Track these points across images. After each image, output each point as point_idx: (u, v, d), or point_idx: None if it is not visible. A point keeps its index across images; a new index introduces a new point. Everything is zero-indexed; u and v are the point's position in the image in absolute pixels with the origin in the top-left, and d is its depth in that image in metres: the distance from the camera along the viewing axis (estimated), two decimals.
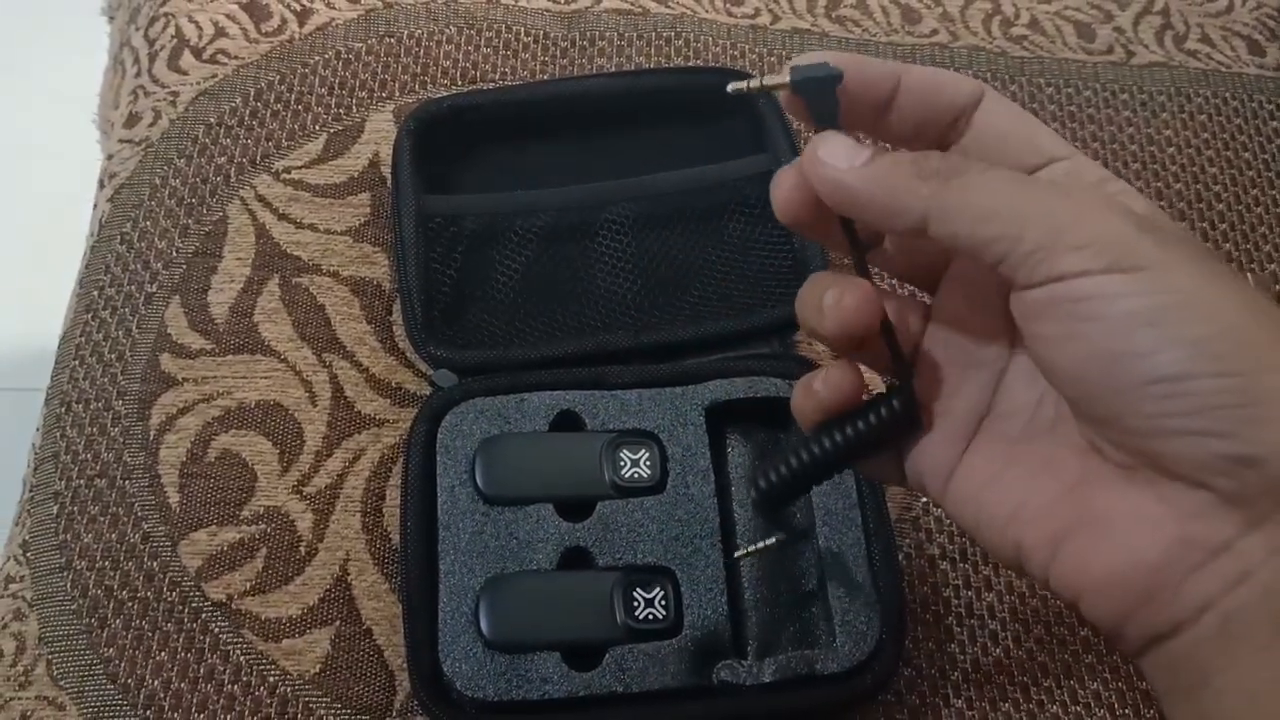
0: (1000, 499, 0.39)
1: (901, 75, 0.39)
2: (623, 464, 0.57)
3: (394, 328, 0.65)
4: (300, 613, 0.57)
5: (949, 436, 0.40)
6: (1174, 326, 0.33)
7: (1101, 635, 0.58)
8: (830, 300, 0.38)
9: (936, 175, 0.35)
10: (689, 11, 0.77)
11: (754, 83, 0.39)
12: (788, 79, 0.38)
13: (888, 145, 0.40)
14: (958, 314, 0.41)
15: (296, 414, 0.62)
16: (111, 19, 0.84)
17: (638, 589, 0.54)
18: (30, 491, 0.61)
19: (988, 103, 0.39)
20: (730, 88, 0.40)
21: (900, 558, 0.58)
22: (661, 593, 0.54)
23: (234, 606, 0.57)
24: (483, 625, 0.53)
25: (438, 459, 0.57)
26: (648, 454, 0.57)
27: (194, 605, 0.57)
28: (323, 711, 0.55)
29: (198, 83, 0.72)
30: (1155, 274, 0.33)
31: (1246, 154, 0.73)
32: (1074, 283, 0.33)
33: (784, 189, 0.39)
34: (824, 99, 0.38)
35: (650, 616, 0.53)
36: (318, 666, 0.56)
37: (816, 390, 0.41)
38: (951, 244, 0.36)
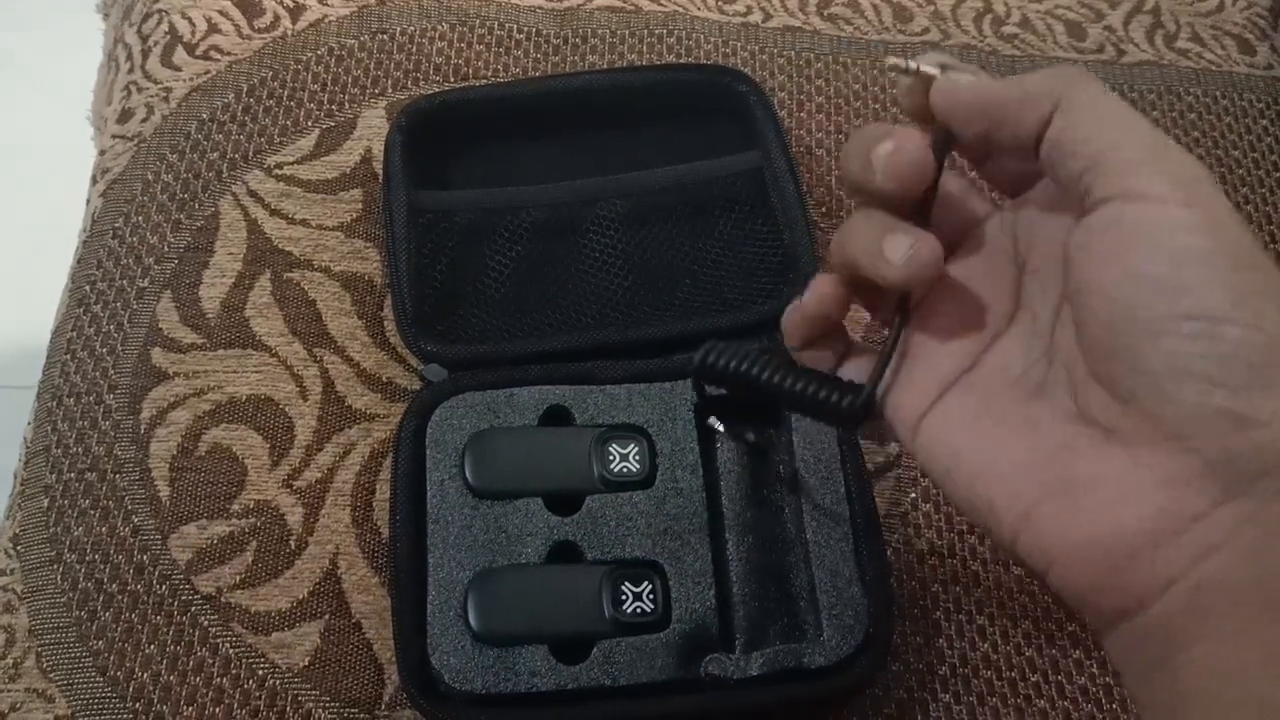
0: (974, 448, 0.38)
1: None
2: (612, 458, 0.57)
3: (385, 323, 0.65)
4: (290, 606, 0.57)
5: (927, 381, 0.40)
6: (1224, 271, 0.33)
7: (1064, 608, 0.59)
8: (886, 149, 0.38)
9: (1067, 77, 0.36)
10: (681, 9, 0.78)
11: (913, 64, 0.39)
12: (937, 72, 0.38)
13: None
14: (972, 273, 0.41)
15: (287, 408, 0.62)
16: (106, 15, 0.84)
17: (626, 583, 0.54)
18: (21, 485, 0.61)
19: (1060, 118, 0.37)
20: (889, 64, 0.40)
21: (888, 553, 0.58)
22: (649, 586, 0.54)
23: (223, 600, 0.57)
24: (471, 618, 0.53)
25: (427, 453, 0.57)
26: (637, 448, 0.57)
27: (184, 598, 0.57)
28: (311, 704, 0.55)
29: (190, 79, 0.72)
30: (1221, 218, 0.34)
31: (1236, 152, 0.74)
32: (1147, 205, 0.34)
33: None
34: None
35: (638, 610, 0.53)
36: (307, 660, 0.56)
37: (804, 300, 0.42)
38: (1058, 143, 0.36)
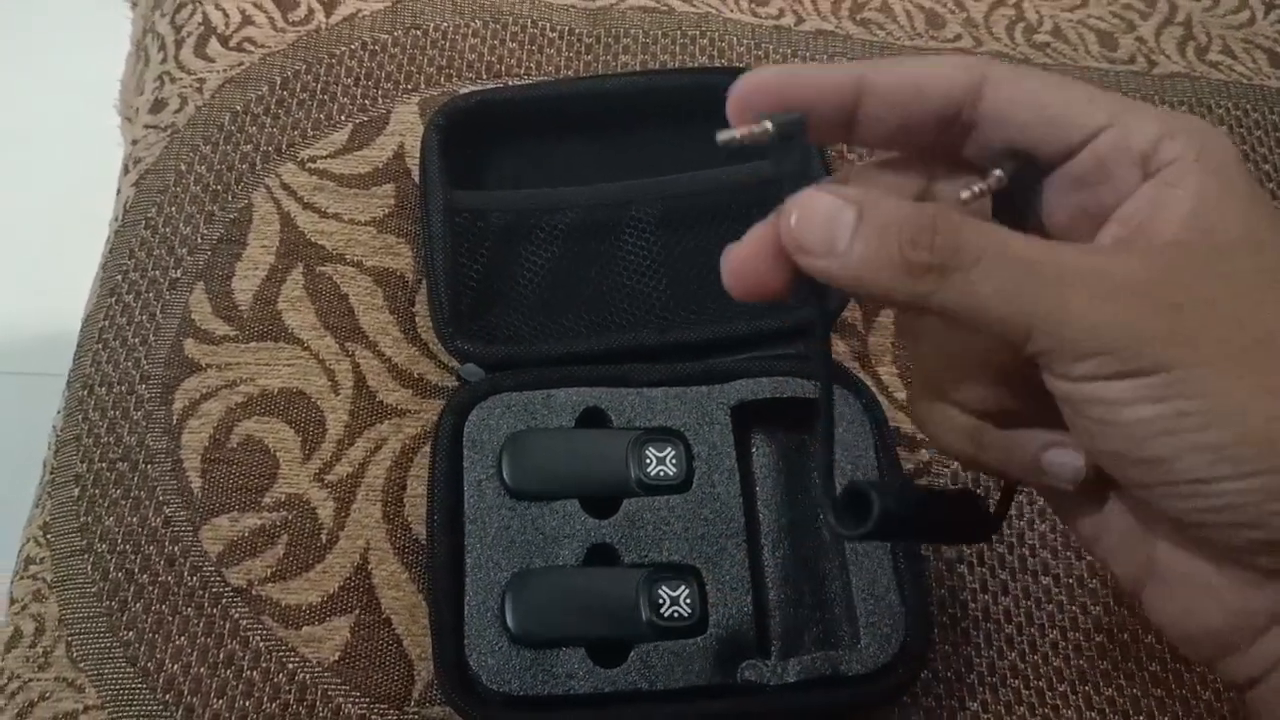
0: (1083, 518, 0.38)
1: (865, 79, 0.36)
2: (649, 461, 0.57)
3: (416, 319, 0.65)
4: (320, 600, 0.57)
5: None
6: (1191, 434, 0.31)
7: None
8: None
9: (930, 271, 0.32)
10: (714, 11, 0.77)
11: (737, 133, 0.35)
12: (769, 125, 0.35)
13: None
14: None
15: (319, 402, 0.62)
16: (135, 5, 0.83)
17: (663, 586, 0.54)
18: (51, 474, 0.61)
19: (993, 88, 0.35)
20: (720, 138, 0.36)
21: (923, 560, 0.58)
22: (687, 591, 0.54)
23: (254, 592, 0.57)
24: (508, 619, 0.53)
25: (464, 453, 0.57)
26: (674, 452, 0.57)
27: (214, 590, 0.57)
28: (340, 699, 0.55)
29: (224, 70, 0.72)
30: (1169, 378, 0.31)
31: (1267, 165, 0.74)
32: (1083, 386, 0.32)
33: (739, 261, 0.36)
34: (795, 146, 0.35)
35: (675, 614, 0.53)
36: (337, 654, 0.56)
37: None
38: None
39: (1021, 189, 0.36)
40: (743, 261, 0.35)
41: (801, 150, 0.35)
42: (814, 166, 0.35)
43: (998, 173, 0.35)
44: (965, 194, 0.35)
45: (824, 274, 0.33)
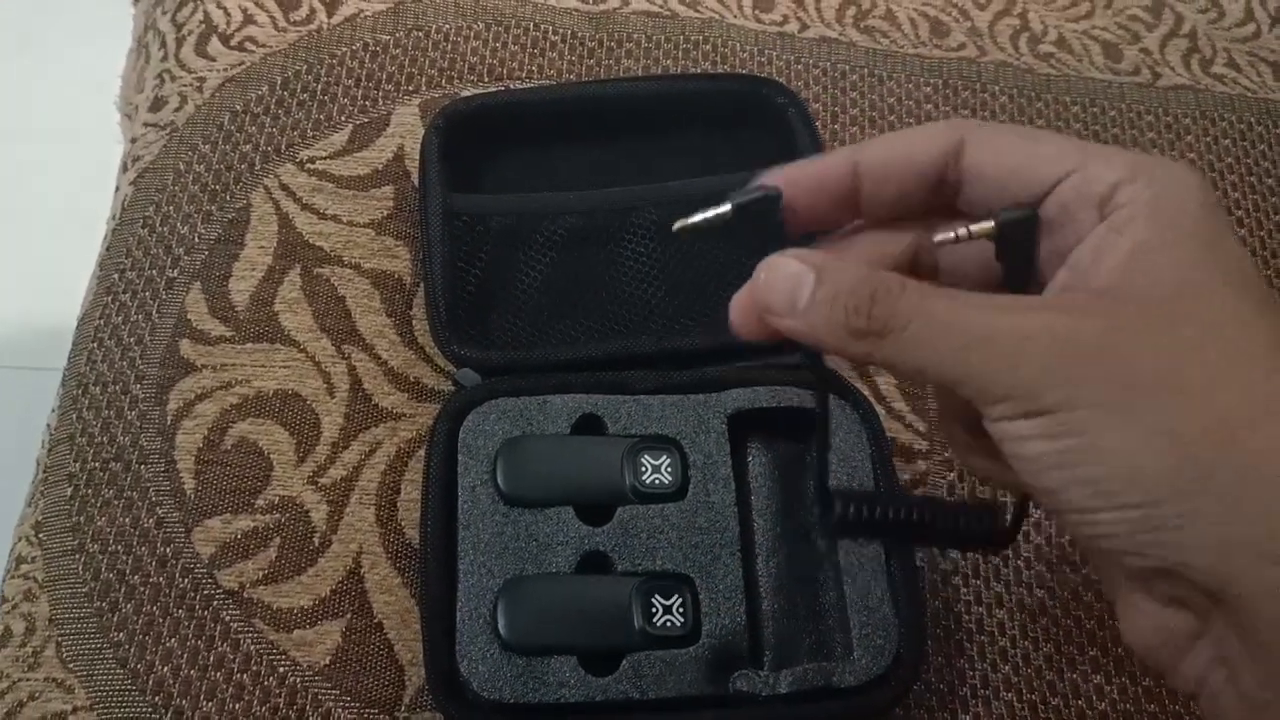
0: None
1: (858, 159, 0.40)
2: (644, 469, 0.56)
3: (414, 322, 0.64)
4: (312, 604, 0.57)
5: None
6: (1074, 469, 0.35)
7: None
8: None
9: (868, 335, 0.37)
10: (717, 16, 0.77)
11: (694, 219, 0.41)
12: (729, 208, 0.40)
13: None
14: None
15: (314, 405, 0.62)
16: (136, 1, 0.83)
17: (656, 595, 0.53)
18: (44, 473, 0.60)
19: (972, 148, 0.39)
20: (675, 227, 0.42)
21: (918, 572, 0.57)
22: (680, 600, 0.54)
23: (245, 595, 0.57)
24: (500, 627, 0.52)
25: (459, 458, 0.57)
26: (669, 460, 0.57)
27: (205, 592, 0.57)
28: (331, 703, 0.55)
29: (224, 69, 0.72)
30: (1058, 418, 0.35)
31: (1270, 180, 0.73)
32: (997, 425, 0.37)
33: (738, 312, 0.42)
34: (767, 219, 0.40)
35: (668, 624, 0.53)
36: (328, 658, 0.56)
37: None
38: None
39: (1028, 235, 0.39)
40: (737, 313, 0.41)
41: (776, 220, 0.40)
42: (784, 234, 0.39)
43: (986, 223, 0.39)
44: (938, 238, 0.39)
45: (788, 331, 0.39)
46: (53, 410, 0.63)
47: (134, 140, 0.72)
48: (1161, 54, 0.79)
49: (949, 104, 0.74)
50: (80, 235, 0.82)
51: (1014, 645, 0.59)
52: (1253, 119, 0.76)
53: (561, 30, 0.75)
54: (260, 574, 0.57)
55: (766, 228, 0.40)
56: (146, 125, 0.71)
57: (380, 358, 0.63)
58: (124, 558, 0.57)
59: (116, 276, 0.65)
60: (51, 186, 1.46)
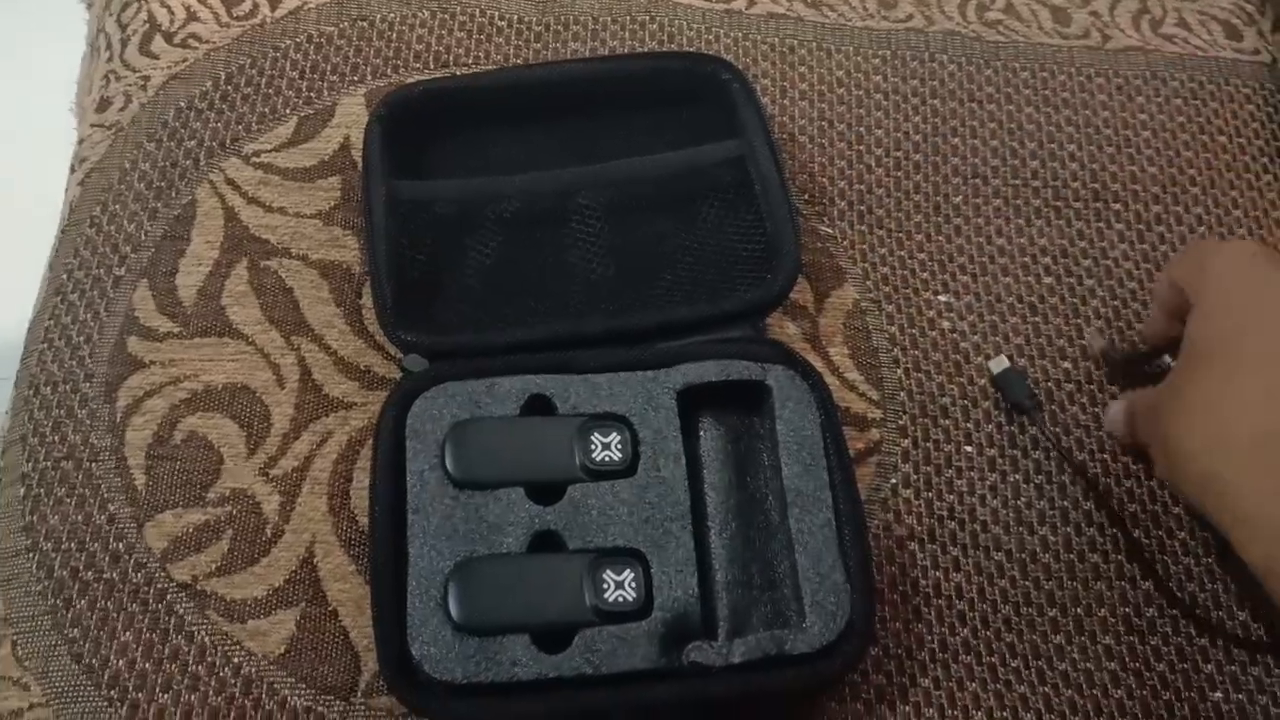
0: None
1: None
2: (594, 447, 0.56)
3: (363, 311, 0.64)
4: (265, 594, 0.57)
5: None
6: None
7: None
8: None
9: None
10: None
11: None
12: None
13: None
14: None
15: (264, 397, 0.62)
16: (90, 5, 0.83)
17: (607, 571, 0.53)
18: None
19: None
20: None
21: (869, 539, 0.57)
22: (631, 575, 0.53)
23: (199, 588, 0.57)
24: (451, 608, 0.52)
25: (407, 443, 0.57)
26: (619, 437, 0.57)
27: (159, 586, 0.57)
28: (287, 692, 0.55)
29: (168, 67, 0.72)
30: None
31: (1222, 138, 0.73)
32: None
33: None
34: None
35: (620, 599, 0.53)
36: (283, 647, 0.56)
37: None
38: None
39: None
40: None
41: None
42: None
43: None
44: None
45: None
46: (5, 413, 0.63)
47: (81, 141, 0.72)
48: (1111, 16, 0.79)
49: (898, 75, 0.74)
50: (38, 244, 0.82)
51: (972, 608, 0.59)
52: (1203, 78, 0.76)
53: (508, 15, 0.75)
54: (213, 566, 0.57)
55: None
56: (93, 126, 0.71)
57: (330, 348, 0.63)
58: (77, 554, 0.57)
59: (65, 277, 0.65)
60: (10, 191, 1.45)
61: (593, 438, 0.57)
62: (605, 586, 0.53)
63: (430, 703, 0.51)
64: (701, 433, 0.59)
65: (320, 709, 0.54)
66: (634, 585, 0.53)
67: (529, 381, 0.58)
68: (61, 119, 0.83)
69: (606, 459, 0.56)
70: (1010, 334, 0.66)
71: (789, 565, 0.55)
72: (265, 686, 0.55)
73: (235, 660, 0.55)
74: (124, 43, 0.74)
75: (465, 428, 0.57)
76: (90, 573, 0.57)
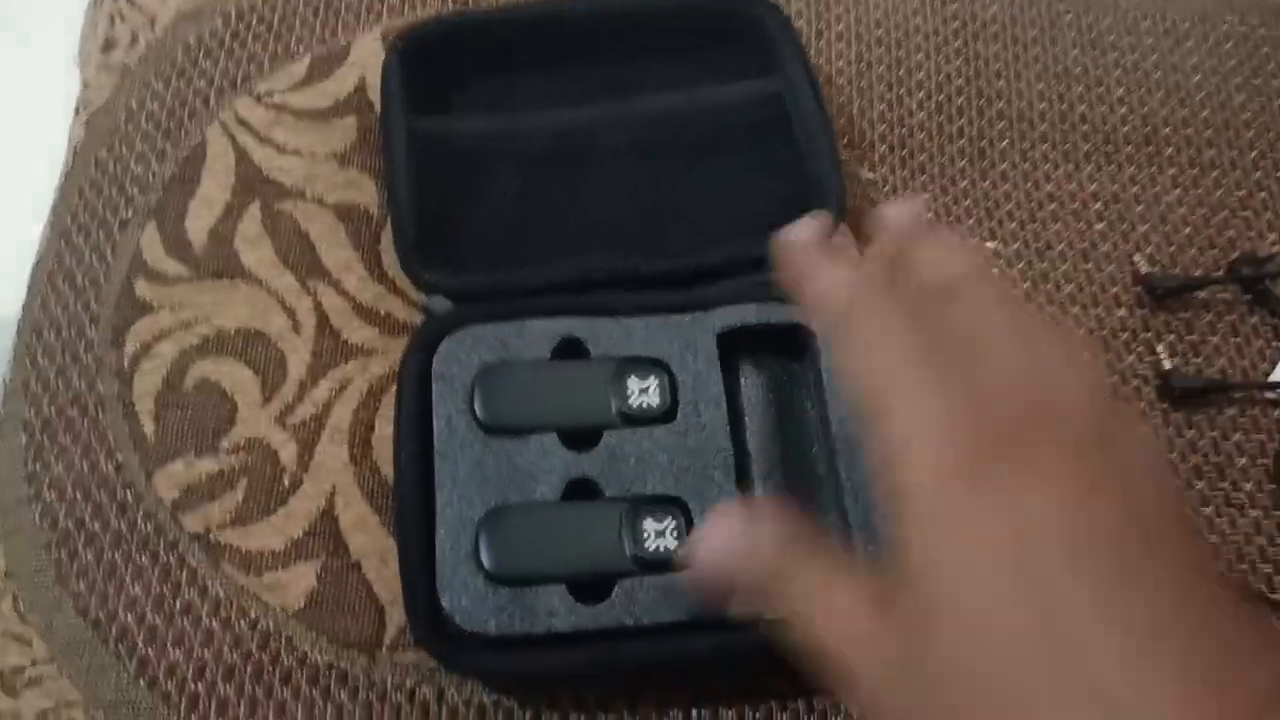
0: None
1: None
2: (630, 392, 0.53)
3: (382, 255, 0.61)
4: (283, 546, 0.54)
5: None
6: None
7: None
8: None
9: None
10: None
11: None
12: None
13: None
14: None
15: (279, 342, 0.58)
16: None
17: (648, 519, 0.50)
18: None
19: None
20: None
21: None
22: (673, 523, 0.50)
23: (212, 539, 0.54)
24: (483, 558, 0.49)
25: (434, 388, 0.53)
26: (657, 381, 0.54)
27: (170, 537, 0.53)
28: (307, 647, 0.52)
29: (176, 4, 0.68)
30: None
31: (1276, 81, 0.70)
32: None
33: None
34: None
35: (661, 549, 0.50)
36: (302, 601, 0.53)
37: None
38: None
39: None
40: None
41: None
42: None
43: None
44: None
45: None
46: (7, 360, 0.59)
47: (86, 85, 0.68)
48: None
49: (938, 15, 0.71)
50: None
51: None
52: (1255, 20, 0.73)
53: None
54: (227, 517, 0.54)
55: None
56: (99, 68, 0.68)
57: (348, 293, 0.60)
58: (83, 505, 0.54)
59: (69, 219, 0.62)
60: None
61: (629, 382, 0.54)
62: (645, 535, 0.50)
63: (461, 655, 0.48)
64: (743, 379, 0.56)
65: (343, 665, 0.51)
66: (675, 534, 0.50)
67: (560, 324, 0.55)
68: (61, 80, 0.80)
69: (644, 404, 0.53)
70: (1061, 281, 0.63)
71: (836, 516, 0.52)
72: (284, 641, 0.52)
73: (252, 614, 0.52)
74: None
75: (495, 371, 0.54)
76: (97, 523, 0.54)
